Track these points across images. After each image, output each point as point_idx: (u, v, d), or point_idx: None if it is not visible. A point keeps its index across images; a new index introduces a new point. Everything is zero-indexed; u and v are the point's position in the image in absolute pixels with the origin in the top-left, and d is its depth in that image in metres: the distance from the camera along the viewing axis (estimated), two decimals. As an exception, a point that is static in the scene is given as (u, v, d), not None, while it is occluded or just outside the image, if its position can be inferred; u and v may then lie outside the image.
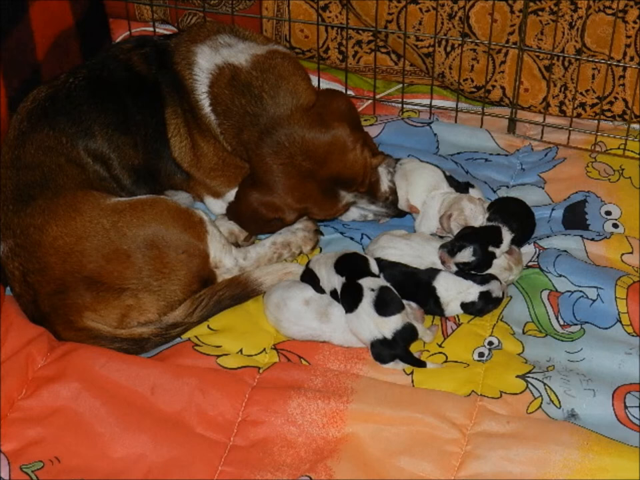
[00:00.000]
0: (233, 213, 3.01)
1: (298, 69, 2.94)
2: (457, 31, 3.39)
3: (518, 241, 2.95)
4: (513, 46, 3.35)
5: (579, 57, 3.31)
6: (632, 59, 3.30)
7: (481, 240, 2.84)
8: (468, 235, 2.86)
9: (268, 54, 2.94)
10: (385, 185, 3.05)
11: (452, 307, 2.81)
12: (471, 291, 2.79)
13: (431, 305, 2.81)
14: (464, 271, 2.83)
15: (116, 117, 2.94)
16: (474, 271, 2.84)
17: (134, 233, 2.74)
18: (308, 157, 2.81)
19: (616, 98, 3.39)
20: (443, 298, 2.80)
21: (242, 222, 3.02)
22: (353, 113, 2.93)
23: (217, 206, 3.09)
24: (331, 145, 2.81)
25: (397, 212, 3.10)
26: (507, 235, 2.87)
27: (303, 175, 2.83)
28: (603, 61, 3.31)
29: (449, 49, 3.44)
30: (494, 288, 2.80)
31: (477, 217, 2.94)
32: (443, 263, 2.85)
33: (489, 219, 2.94)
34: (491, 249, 2.84)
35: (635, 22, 3.27)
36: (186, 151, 3.01)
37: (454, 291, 2.80)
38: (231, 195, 3.03)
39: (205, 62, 2.94)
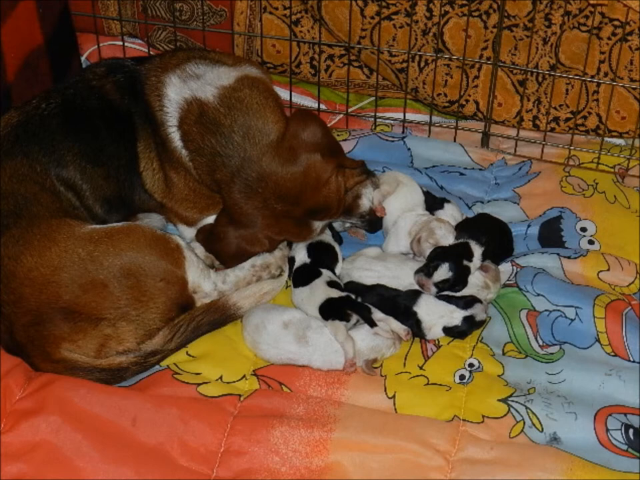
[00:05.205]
0: (215, 252, 2.97)
1: (268, 98, 2.86)
2: (430, 47, 3.36)
3: (496, 256, 2.96)
4: (488, 62, 3.34)
5: (552, 73, 3.31)
6: (606, 74, 3.31)
7: (453, 256, 2.85)
8: (440, 254, 2.87)
9: (236, 84, 2.86)
10: (365, 206, 3.02)
11: (435, 331, 2.80)
12: (455, 315, 2.79)
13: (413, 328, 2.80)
14: (444, 290, 2.83)
15: (89, 147, 2.89)
16: (452, 290, 2.83)
17: (110, 262, 2.69)
18: (281, 199, 2.78)
19: (589, 113, 3.40)
20: (425, 323, 2.79)
21: (225, 260, 2.97)
22: (326, 138, 2.84)
23: (191, 232, 3.05)
24: (304, 185, 2.77)
25: (371, 228, 3.10)
26: (476, 249, 2.88)
27: (278, 215, 2.81)
28: (577, 77, 3.30)
29: (422, 64, 3.42)
30: (477, 311, 2.79)
31: (447, 236, 2.94)
32: (422, 286, 2.84)
33: (456, 238, 2.95)
34: (465, 263, 2.85)
35: (609, 38, 3.27)
36: (159, 183, 2.97)
37: (436, 315, 2.79)
38: (204, 222, 3.00)
39: (174, 94, 2.88)
